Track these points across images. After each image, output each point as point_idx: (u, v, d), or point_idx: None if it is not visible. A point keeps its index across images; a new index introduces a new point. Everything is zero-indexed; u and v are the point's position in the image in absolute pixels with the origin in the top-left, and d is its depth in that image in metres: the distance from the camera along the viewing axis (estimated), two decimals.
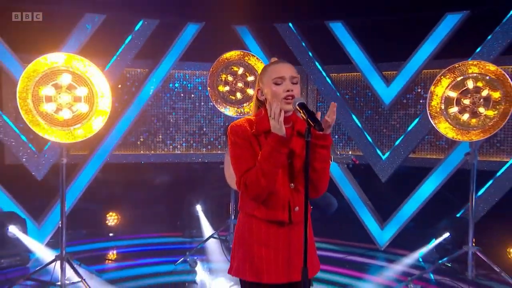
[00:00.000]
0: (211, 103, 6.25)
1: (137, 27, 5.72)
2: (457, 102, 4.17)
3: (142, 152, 6.31)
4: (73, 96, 3.80)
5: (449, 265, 4.69)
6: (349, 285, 4.40)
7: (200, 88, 6.43)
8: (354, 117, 5.72)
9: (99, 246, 5.54)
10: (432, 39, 5.20)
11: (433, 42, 5.20)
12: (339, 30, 5.62)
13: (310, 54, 5.82)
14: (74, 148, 5.89)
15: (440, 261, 4.45)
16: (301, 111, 1.90)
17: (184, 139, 6.45)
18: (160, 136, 6.37)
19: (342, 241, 5.69)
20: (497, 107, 4.02)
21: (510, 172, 4.89)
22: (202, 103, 6.48)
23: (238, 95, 4.79)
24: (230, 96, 4.80)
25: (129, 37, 5.70)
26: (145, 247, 5.53)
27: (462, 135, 4.17)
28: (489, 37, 4.91)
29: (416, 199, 5.28)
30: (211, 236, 5.01)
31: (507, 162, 4.95)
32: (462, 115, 4.15)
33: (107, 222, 6.06)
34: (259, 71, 2.16)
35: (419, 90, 5.69)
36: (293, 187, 2.05)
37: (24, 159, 5.17)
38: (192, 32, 5.92)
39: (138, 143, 6.31)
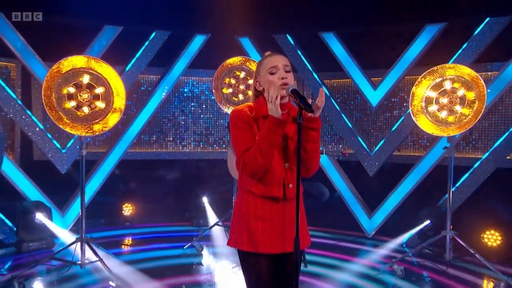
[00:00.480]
0: (217, 106, 6.33)
1: (150, 38, 5.79)
2: (436, 101, 4.17)
3: (154, 150, 6.32)
4: (92, 94, 3.83)
5: (429, 249, 4.69)
6: (340, 266, 4.42)
7: (206, 92, 6.45)
8: (345, 118, 5.78)
9: (116, 233, 5.58)
10: (414, 48, 5.25)
11: (415, 50, 5.24)
12: (331, 40, 5.64)
13: (306, 62, 5.85)
14: (93, 146, 5.97)
15: (421, 245, 4.41)
16: (293, 96, 1.93)
17: (192, 139, 6.46)
18: (171, 136, 6.39)
19: (334, 229, 5.70)
20: (472, 105, 4.04)
21: (484, 167, 4.93)
22: (208, 106, 6.49)
23: (240, 96, 4.84)
24: (233, 98, 4.84)
25: (144, 47, 5.78)
26: (157, 234, 5.56)
27: (440, 130, 4.17)
28: (464, 45, 4.96)
29: (400, 191, 5.31)
30: (216, 224, 5.05)
31: (481, 158, 5.00)
32: (441, 113, 4.16)
33: (123, 212, 6.07)
34: None
35: (402, 94, 5.71)
36: (287, 166, 2.06)
37: (49, 155, 5.29)
38: (200, 42, 5.97)
39: (151, 142, 6.33)
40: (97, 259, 3.87)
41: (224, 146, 6.51)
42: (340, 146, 5.84)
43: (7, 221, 5.01)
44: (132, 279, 3.95)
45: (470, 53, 4.91)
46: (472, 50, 4.93)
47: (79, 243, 3.94)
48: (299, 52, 5.86)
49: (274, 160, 2.03)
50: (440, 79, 4.15)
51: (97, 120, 3.85)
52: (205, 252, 4.82)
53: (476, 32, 4.94)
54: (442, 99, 4.15)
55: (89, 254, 3.97)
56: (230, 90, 4.85)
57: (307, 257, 4.43)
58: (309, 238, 2.23)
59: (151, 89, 6.07)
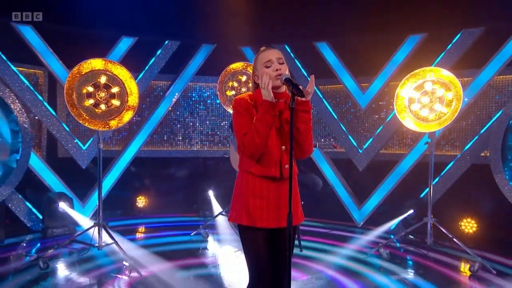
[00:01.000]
0: (221, 109, 6.41)
1: (162, 47, 5.88)
2: (418, 100, 4.18)
3: (165, 148, 6.36)
4: (109, 93, 3.84)
5: (413, 235, 4.74)
6: (332, 251, 4.45)
7: (212, 97, 6.49)
8: (338, 121, 5.83)
9: (131, 222, 5.64)
10: (398, 56, 5.33)
11: (399, 58, 5.32)
12: (325, 49, 5.70)
13: (302, 69, 5.90)
14: (110, 144, 6.05)
15: (405, 231, 4.43)
16: (287, 84, 1.97)
17: (199, 138, 6.50)
18: (180, 136, 6.43)
19: (327, 219, 5.74)
20: (450, 104, 4.06)
21: (460, 163, 5.00)
22: (214, 109, 6.52)
23: None
24: None
25: (156, 55, 5.87)
26: (167, 224, 5.61)
27: (422, 127, 4.18)
28: (442, 54, 5.05)
29: (387, 185, 5.37)
30: (220, 213, 5.09)
31: (458, 155, 5.05)
32: (422, 111, 4.16)
33: (137, 204, 6.13)
34: None
35: (388, 98, 5.73)
36: (284, 149, 2.07)
37: (72, 152, 5.38)
38: (206, 51, 6.05)
39: (163, 141, 6.37)
40: (113, 241, 3.89)
41: (228, 145, 6.55)
42: (332, 139, 5.87)
43: (34, 210, 5.11)
44: (145, 260, 4.01)
45: (447, 61, 4.98)
46: (449, 58, 5.01)
47: (96, 228, 3.94)
48: (296, 61, 5.92)
49: (271, 143, 2.04)
50: (422, 80, 4.15)
51: (113, 117, 3.87)
52: (210, 238, 4.88)
53: (452, 42, 5.02)
54: (423, 99, 4.17)
55: (105, 238, 3.96)
56: (233, 92, 4.90)
57: (302, 243, 4.48)
58: (302, 216, 2.21)
59: (163, 94, 6.14)
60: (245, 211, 2.06)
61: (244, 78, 4.89)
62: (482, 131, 4.93)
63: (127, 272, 3.66)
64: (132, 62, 5.50)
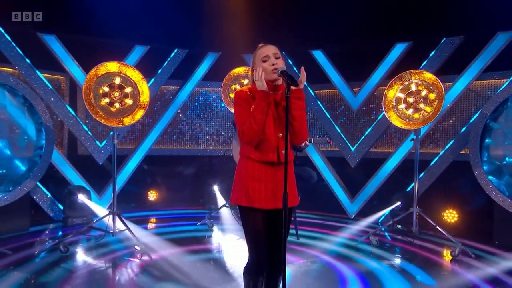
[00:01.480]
0: (226, 111, 6.46)
1: (171, 55, 5.96)
2: (404, 100, 4.24)
3: (174, 147, 6.39)
4: (122, 93, 3.90)
5: (400, 225, 4.79)
6: (326, 239, 4.49)
7: (217, 100, 6.53)
8: (332, 122, 5.89)
9: (143, 214, 5.68)
10: (386, 62, 5.41)
11: (387, 64, 5.40)
12: (320, 56, 5.77)
13: (299, 75, 5.97)
14: (124, 143, 6.11)
15: (392, 220, 4.48)
16: (282, 76, 1.99)
17: (205, 138, 6.53)
18: (188, 136, 6.48)
19: (321, 212, 5.79)
20: (433, 104, 4.12)
21: (442, 159, 5.06)
22: (219, 112, 6.55)
23: None
24: None
25: (166, 62, 5.95)
26: (176, 215, 5.64)
27: (407, 124, 4.24)
28: (425, 61, 5.13)
29: (377, 179, 5.44)
30: (224, 205, 5.17)
31: (440, 153, 5.11)
32: (408, 110, 4.23)
33: (149, 198, 6.18)
34: None
35: (377, 101, 5.80)
36: (280, 136, 2.08)
37: (90, 149, 5.47)
38: (212, 59, 6.12)
39: (172, 140, 6.40)
40: (126, 228, 3.94)
41: (232, 145, 6.57)
42: (326, 136, 5.91)
43: (56, 202, 5.20)
44: (155, 245, 4.07)
45: (431, 67, 5.06)
46: (432, 64, 5.08)
47: (111, 216, 3.98)
48: (294, 68, 5.95)
49: (269, 130, 2.05)
50: (407, 82, 4.22)
51: (126, 114, 3.92)
52: (215, 228, 4.93)
53: (435, 49, 5.10)
54: (409, 99, 4.23)
55: (119, 226, 4.02)
56: None
57: (299, 232, 4.52)
58: (298, 199, 2.20)
59: (172, 98, 6.21)
60: (245, 194, 2.07)
61: (246, 82, 4.95)
62: (462, 130, 5.00)
63: (138, 256, 3.72)
64: (145, 68, 5.50)
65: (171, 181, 6.27)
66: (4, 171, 4.31)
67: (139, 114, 3.97)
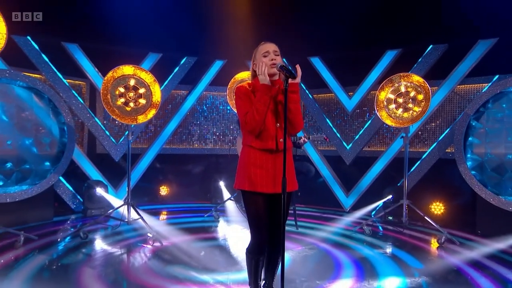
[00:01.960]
0: (231, 114, 6.48)
1: (181, 62, 6.01)
2: (395, 101, 4.30)
3: (183, 146, 6.41)
4: (136, 93, 3.96)
5: (391, 216, 4.82)
6: (323, 229, 4.51)
7: (224, 104, 6.55)
8: (329, 123, 5.91)
9: (155, 207, 5.72)
10: (377, 68, 5.44)
11: (378, 69, 5.43)
12: (317, 63, 5.79)
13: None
14: (138, 143, 6.16)
15: (384, 212, 4.55)
16: (281, 70, 2.01)
17: (212, 139, 6.56)
18: (196, 136, 6.51)
19: (319, 206, 5.82)
20: (421, 104, 4.17)
21: (430, 157, 5.08)
22: (225, 114, 6.57)
23: None
24: None
25: (176, 69, 5.99)
26: (186, 208, 5.68)
27: (398, 123, 4.29)
28: (414, 66, 5.16)
29: (370, 175, 5.45)
30: (229, 199, 5.20)
31: (427, 151, 5.13)
32: (398, 110, 4.29)
33: (160, 192, 6.21)
34: None
35: (370, 104, 5.83)
36: (278, 126, 2.10)
37: (107, 148, 5.53)
38: (219, 66, 6.15)
39: (181, 140, 6.42)
40: (139, 217, 4.00)
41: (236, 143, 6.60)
42: (323, 133, 5.94)
43: (77, 195, 5.27)
44: (166, 233, 4.13)
45: (418, 72, 5.08)
46: (420, 69, 5.12)
47: (126, 206, 4.07)
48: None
49: (268, 121, 2.07)
50: (397, 84, 4.27)
51: (140, 113, 3.97)
52: (220, 219, 4.95)
53: (422, 56, 5.13)
54: (398, 99, 4.27)
55: (133, 216, 4.09)
56: None
57: (298, 223, 4.54)
58: (296, 184, 2.20)
59: (182, 101, 6.24)
60: (247, 179, 2.09)
61: None
62: (447, 130, 5.03)
63: (151, 242, 3.77)
64: (157, 74, 5.54)
65: (181, 177, 6.32)
66: (32, 166, 4.39)
67: (151, 113, 4.02)
